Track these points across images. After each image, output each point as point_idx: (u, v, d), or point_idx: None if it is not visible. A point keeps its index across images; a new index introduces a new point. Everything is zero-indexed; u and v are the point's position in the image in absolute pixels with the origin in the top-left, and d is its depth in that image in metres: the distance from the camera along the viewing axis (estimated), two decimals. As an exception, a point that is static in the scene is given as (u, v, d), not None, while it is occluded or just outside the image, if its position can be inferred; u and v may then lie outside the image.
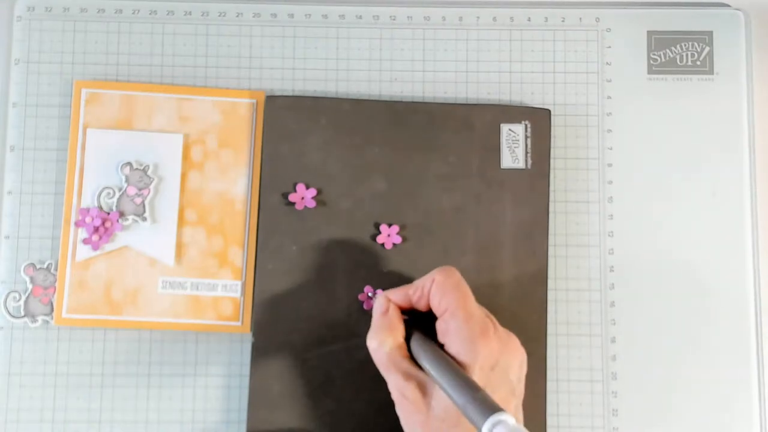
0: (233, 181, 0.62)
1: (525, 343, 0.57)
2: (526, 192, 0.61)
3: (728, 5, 0.65)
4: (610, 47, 0.65)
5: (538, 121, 0.62)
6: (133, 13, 0.64)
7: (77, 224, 0.61)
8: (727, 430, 0.61)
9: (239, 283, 0.61)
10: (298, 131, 0.62)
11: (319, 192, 0.61)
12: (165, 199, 0.61)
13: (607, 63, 0.65)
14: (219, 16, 0.64)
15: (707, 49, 0.65)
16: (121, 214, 0.61)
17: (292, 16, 0.64)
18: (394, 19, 0.64)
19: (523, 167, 0.62)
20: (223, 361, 0.61)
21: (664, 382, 0.61)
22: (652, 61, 0.65)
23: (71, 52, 0.63)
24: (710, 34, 0.65)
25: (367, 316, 0.59)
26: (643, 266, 0.62)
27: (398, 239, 0.61)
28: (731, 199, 0.63)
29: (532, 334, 0.60)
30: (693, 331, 0.62)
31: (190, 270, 0.61)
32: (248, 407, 0.59)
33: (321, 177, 0.61)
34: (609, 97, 0.64)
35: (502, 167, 0.61)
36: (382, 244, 0.61)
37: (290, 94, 0.63)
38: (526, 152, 0.62)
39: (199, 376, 0.61)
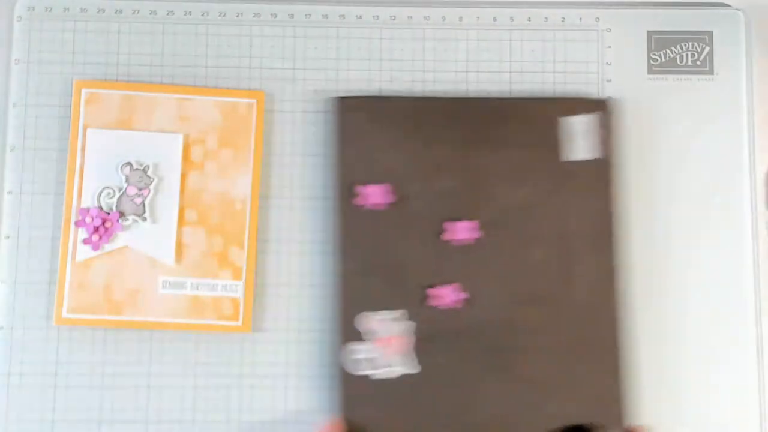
0: (233, 181, 0.62)
1: (600, 336, 0.59)
2: (594, 183, 0.61)
3: (728, 5, 0.65)
4: (610, 47, 0.65)
5: (602, 112, 0.62)
6: (133, 13, 0.64)
7: (77, 224, 0.61)
8: (727, 426, 0.61)
9: (239, 283, 0.61)
10: (367, 131, 0.62)
11: (390, 191, 0.61)
12: (165, 199, 0.61)
13: (607, 63, 0.65)
14: (219, 16, 0.64)
15: (707, 49, 0.65)
16: (122, 214, 0.61)
17: (292, 16, 0.64)
18: (394, 19, 0.64)
19: (590, 158, 0.62)
20: (223, 361, 0.61)
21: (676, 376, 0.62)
22: (652, 61, 0.65)
23: (71, 52, 0.63)
24: (710, 34, 0.65)
25: (444, 314, 0.60)
26: (648, 263, 0.62)
27: (471, 235, 0.61)
28: (732, 198, 0.63)
29: (608, 325, 0.60)
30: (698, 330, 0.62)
31: (191, 270, 0.61)
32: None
33: (391, 176, 0.61)
34: (609, 97, 0.64)
35: (569, 159, 0.61)
36: (458, 241, 0.61)
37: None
38: (593, 144, 0.61)
39: (199, 376, 0.61)
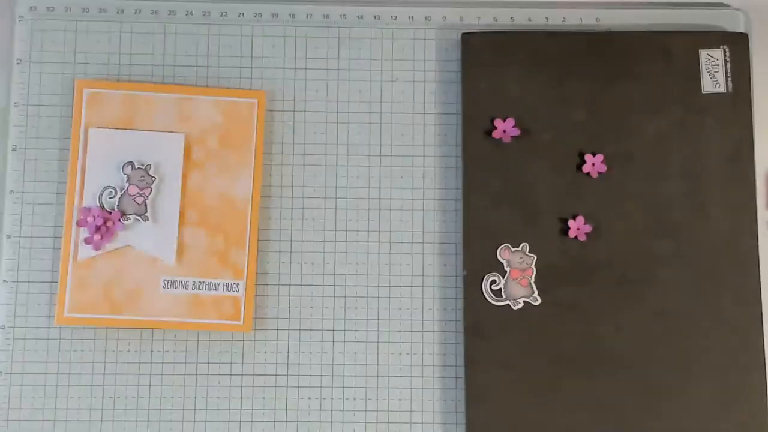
0: (234, 181, 0.62)
1: (737, 267, 0.60)
2: (728, 115, 0.62)
3: (728, 5, 0.66)
4: (610, 47, 0.65)
5: (736, 45, 0.63)
6: (135, 13, 0.64)
7: (79, 224, 0.61)
8: None
9: (241, 282, 0.61)
10: (496, 66, 0.62)
11: (520, 125, 0.61)
12: (166, 198, 0.61)
13: (607, 63, 0.65)
14: (220, 16, 0.64)
15: (708, 48, 0.65)
16: (123, 214, 0.61)
17: (293, 16, 0.64)
18: (395, 19, 0.65)
19: (724, 91, 0.62)
20: (224, 360, 0.61)
21: None
22: (652, 61, 0.65)
23: (73, 51, 0.63)
24: (710, 34, 0.65)
25: (569, 247, 0.60)
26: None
27: (603, 168, 0.61)
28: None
29: (745, 256, 0.61)
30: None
31: (192, 269, 0.61)
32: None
33: (522, 110, 0.62)
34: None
35: (702, 92, 0.62)
36: (588, 174, 0.61)
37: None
38: (727, 76, 0.62)
39: (200, 375, 0.61)
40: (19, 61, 0.63)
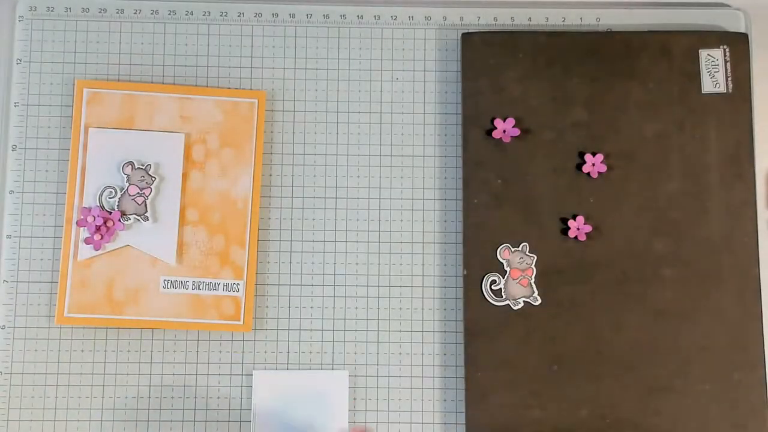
0: (235, 181, 0.62)
1: (737, 266, 0.60)
2: (728, 115, 0.62)
3: (728, 5, 0.66)
4: (610, 47, 0.65)
5: (736, 45, 0.63)
6: (135, 13, 0.64)
7: (79, 224, 0.61)
8: None
9: (240, 282, 0.61)
10: (496, 66, 0.62)
11: (520, 124, 0.62)
12: (166, 198, 0.61)
13: (607, 63, 0.65)
14: (221, 15, 0.64)
15: (708, 48, 0.65)
16: (123, 214, 0.61)
17: (293, 16, 0.65)
18: (395, 19, 0.65)
19: (724, 91, 0.62)
20: (224, 360, 0.61)
21: None
22: (652, 61, 0.65)
23: (73, 51, 0.63)
24: (710, 34, 0.65)
25: (570, 246, 0.61)
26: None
27: (603, 168, 0.61)
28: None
29: (745, 255, 0.61)
30: None
31: (192, 269, 0.61)
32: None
33: (522, 109, 0.62)
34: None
35: (702, 92, 0.62)
36: (588, 173, 0.61)
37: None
38: (726, 76, 0.62)
39: (201, 375, 0.61)
40: (19, 61, 0.63)
